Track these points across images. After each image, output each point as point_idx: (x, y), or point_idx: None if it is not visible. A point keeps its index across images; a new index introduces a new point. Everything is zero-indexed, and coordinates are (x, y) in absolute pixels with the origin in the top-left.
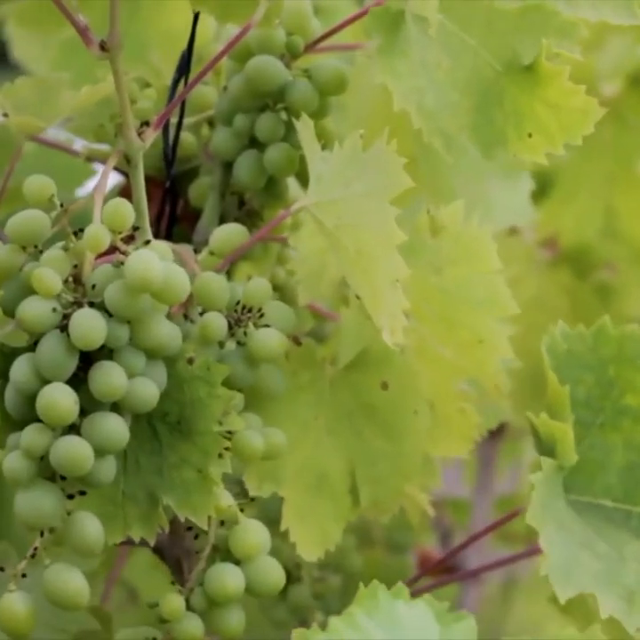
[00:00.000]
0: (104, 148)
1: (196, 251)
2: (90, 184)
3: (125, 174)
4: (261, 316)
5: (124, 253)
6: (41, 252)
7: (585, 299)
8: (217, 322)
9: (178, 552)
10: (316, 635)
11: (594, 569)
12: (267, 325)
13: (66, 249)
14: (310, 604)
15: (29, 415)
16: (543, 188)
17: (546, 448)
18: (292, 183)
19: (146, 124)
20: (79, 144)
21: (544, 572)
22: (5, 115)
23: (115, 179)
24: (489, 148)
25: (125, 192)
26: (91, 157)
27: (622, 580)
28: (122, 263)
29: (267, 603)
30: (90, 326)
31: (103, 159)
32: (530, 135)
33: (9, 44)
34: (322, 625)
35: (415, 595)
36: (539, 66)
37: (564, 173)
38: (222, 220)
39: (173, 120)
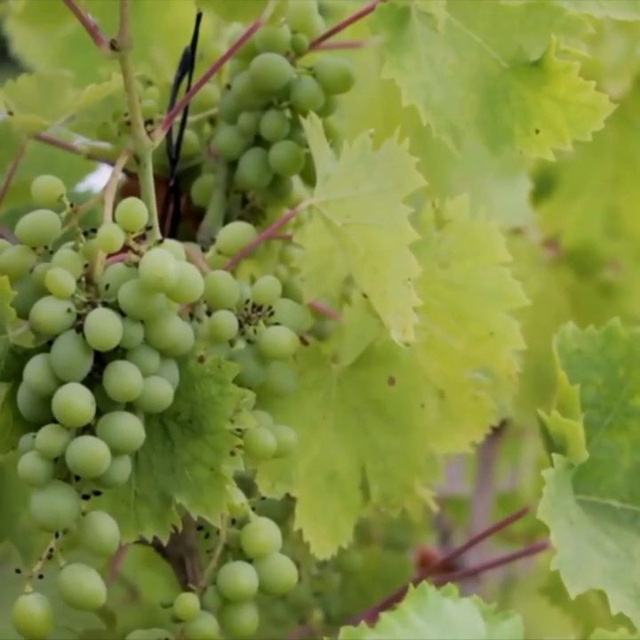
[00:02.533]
0: (105, 145)
1: (203, 249)
2: (91, 180)
3: (128, 173)
4: (271, 314)
5: (138, 253)
6: (51, 252)
7: (588, 298)
8: (228, 320)
9: (180, 550)
10: (368, 633)
11: (603, 566)
12: (277, 323)
13: (76, 249)
14: (310, 602)
15: (43, 416)
16: (546, 187)
17: (555, 446)
18: (294, 181)
19: (150, 122)
20: (80, 141)
21: (554, 568)
22: (10, 113)
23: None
24: (495, 144)
25: (127, 191)
26: (92, 155)
27: (631, 578)
28: (135, 263)
29: (266, 601)
30: (106, 326)
31: (105, 157)
32: (537, 131)
33: (9, 39)
34: (319, 623)
35: None
36: (547, 62)
37: (568, 173)
38: (226, 218)
39: (176, 118)
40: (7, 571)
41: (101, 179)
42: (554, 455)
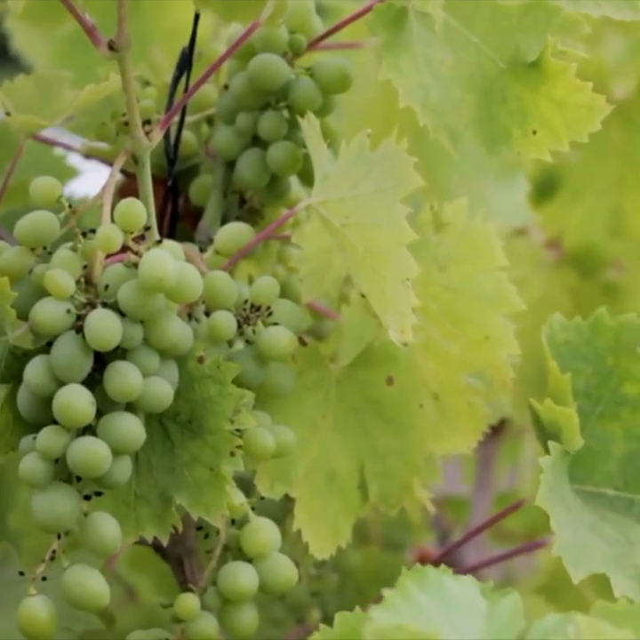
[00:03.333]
0: (104, 145)
1: (201, 249)
2: (73, 184)
3: (126, 173)
4: (270, 314)
5: (137, 253)
6: (50, 253)
7: (591, 299)
8: (226, 321)
9: (179, 551)
10: (374, 609)
11: (604, 551)
12: (275, 324)
13: (75, 250)
14: (308, 601)
15: (43, 417)
16: (549, 188)
17: (548, 435)
18: (292, 181)
19: (148, 122)
20: (78, 142)
21: (556, 553)
22: (8, 113)
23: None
24: (493, 145)
25: (126, 191)
26: (90, 155)
27: (632, 560)
28: (134, 263)
29: (264, 601)
30: (105, 327)
31: (102, 157)
32: (534, 132)
33: (9, 37)
34: (317, 623)
35: None
36: (544, 63)
37: (571, 174)
38: (223, 218)
39: (174, 118)
40: (6, 571)
41: (87, 181)
42: (550, 442)
